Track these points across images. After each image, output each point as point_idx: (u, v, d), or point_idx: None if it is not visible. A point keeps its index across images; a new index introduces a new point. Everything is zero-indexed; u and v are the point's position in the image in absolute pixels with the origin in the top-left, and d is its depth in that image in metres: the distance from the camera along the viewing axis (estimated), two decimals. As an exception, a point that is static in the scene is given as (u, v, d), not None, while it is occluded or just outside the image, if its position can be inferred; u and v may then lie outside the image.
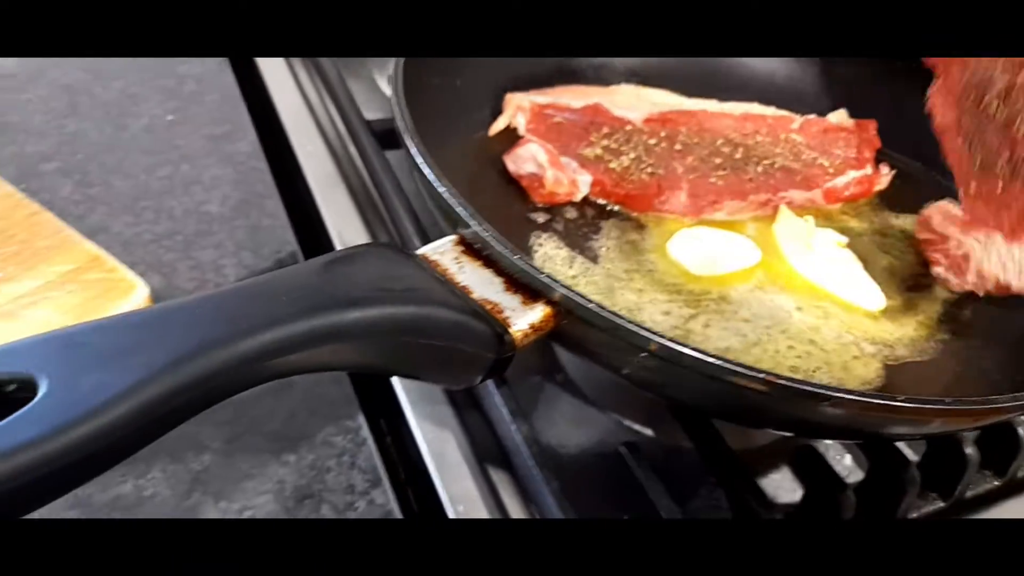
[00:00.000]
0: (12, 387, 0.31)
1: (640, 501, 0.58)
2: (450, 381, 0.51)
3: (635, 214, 0.77)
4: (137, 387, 0.31)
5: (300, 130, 0.88)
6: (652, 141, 0.83)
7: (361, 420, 0.60)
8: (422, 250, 0.54)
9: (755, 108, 0.90)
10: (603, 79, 0.89)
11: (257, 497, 0.55)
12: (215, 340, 0.35)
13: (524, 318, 0.51)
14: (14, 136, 0.82)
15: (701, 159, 0.83)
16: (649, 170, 0.79)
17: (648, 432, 0.67)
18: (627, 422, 0.68)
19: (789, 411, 0.52)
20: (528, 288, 0.53)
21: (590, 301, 0.50)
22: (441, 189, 0.55)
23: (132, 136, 0.84)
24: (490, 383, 0.59)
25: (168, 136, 0.85)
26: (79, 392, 0.30)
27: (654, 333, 0.49)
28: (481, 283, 0.52)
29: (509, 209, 0.74)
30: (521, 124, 0.80)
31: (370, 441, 0.58)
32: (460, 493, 0.57)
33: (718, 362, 0.47)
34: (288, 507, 0.54)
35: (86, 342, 0.32)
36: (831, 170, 0.85)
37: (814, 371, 0.65)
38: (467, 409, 0.62)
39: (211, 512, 0.53)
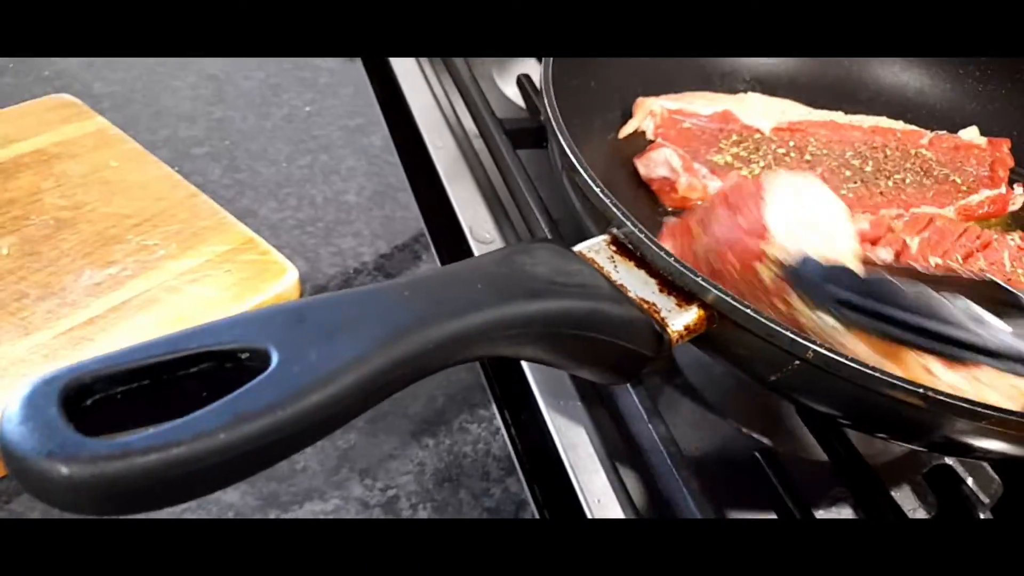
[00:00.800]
0: (246, 355, 0.33)
1: (771, 506, 0.59)
2: (608, 377, 0.52)
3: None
4: (361, 359, 0.33)
5: (431, 126, 0.91)
6: (781, 150, 0.82)
7: (495, 409, 0.61)
8: (578, 247, 0.54)
9: (883, 122, 0.89)
10: (730, 87, 0.89)
11: (400, 477, 0.56)
12: (426, 319, 0.36)
13: (680, 319, 0.51)
14: (167, 120, 0.86)
15: (831, 170, 0.82)
16: (779, 179, 0.79)
17: (766, 441, 0.67)
18: (745, 430, 0.68)
19: (941, 428, 0.51)
20: (681, 290, 0.53)
21: (746, 305, 0.50)
22: (596, 189, 0.56)
23: (274, 125, 0.88)
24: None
25: (306, 126, 0.88)
26: (308, 363, 0.32)
27: (810, 340, 0.49)
28: (636, 283, 0.53)
29: (639, 212, 0.75)
30: (650, 128, 0.81)
31: (503, 431, 0.59)
32: (593, 487, 0.59)
33: (877, 374, 0.47)
34: (428, 488, 0.56)
35: (311, 317, 0.34)
36: (964, 188, 0.83)
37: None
38: (596, 405, 0.63)
39: (357, 489, 0.55)
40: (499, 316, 0.40)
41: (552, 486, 0.60)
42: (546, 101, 0.64)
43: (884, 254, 0.74)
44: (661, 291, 0.53)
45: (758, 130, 0.83)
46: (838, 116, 0.88)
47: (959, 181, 0.84)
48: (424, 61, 1.00)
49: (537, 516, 0.55)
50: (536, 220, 0.73)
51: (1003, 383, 0.61)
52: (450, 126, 0.92)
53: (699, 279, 0.51)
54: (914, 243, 0.75)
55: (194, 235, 0.67)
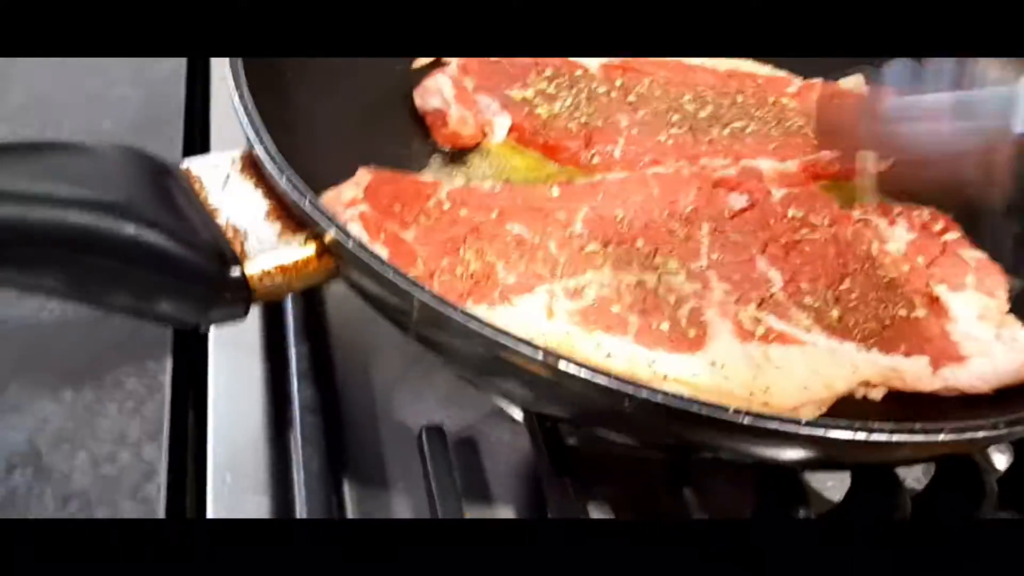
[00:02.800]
0: None
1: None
2: (156, 315, 0.43)
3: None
4: None
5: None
6: (601, 89, 0.71)
7: (168, 363, 0.53)
8: (189, 161, 0.46)
9: (746, 65, 0.76)
10: None
11: (10, 432, 0.49)
12: None
13: (271, 254, 0.43)
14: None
15: (655, 114, 0.70)
16: (583, 120, 0.68)
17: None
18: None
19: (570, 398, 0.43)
20: (296, 220, 0.45)
21: (351, 239, 0.42)
22: (235, 95, 0.47)
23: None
24: (292, 334, 0.53)
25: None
26: None
27: (423, 289, 0.40)
28: (239, 205, 0.44)
29: (404, 147, 0.66)
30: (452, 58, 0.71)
31: (167, 388, 0.52)
32: (235, 462, 0.50)
33: (485, 331, 0.39)
34: (38, 449, 0.48)
35: None
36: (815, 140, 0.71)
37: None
38: (267, 361, 0.55)
39: None
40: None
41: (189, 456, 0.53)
42: None
43: (737, 201, 0.64)
44: (270, 217, 0.44)
45: (583, 66, 0.72)
46: (693, 58, 0.76)
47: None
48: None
49: (164, 487, 0.48)
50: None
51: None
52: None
53: (307, 205, 0.42)
54: (778, 194, 0.64)
55: None
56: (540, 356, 0.40)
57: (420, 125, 0.68)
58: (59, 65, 0.76)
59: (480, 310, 0.52)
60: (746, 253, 0.60)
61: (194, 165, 0.47)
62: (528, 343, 0.40)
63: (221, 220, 0.44)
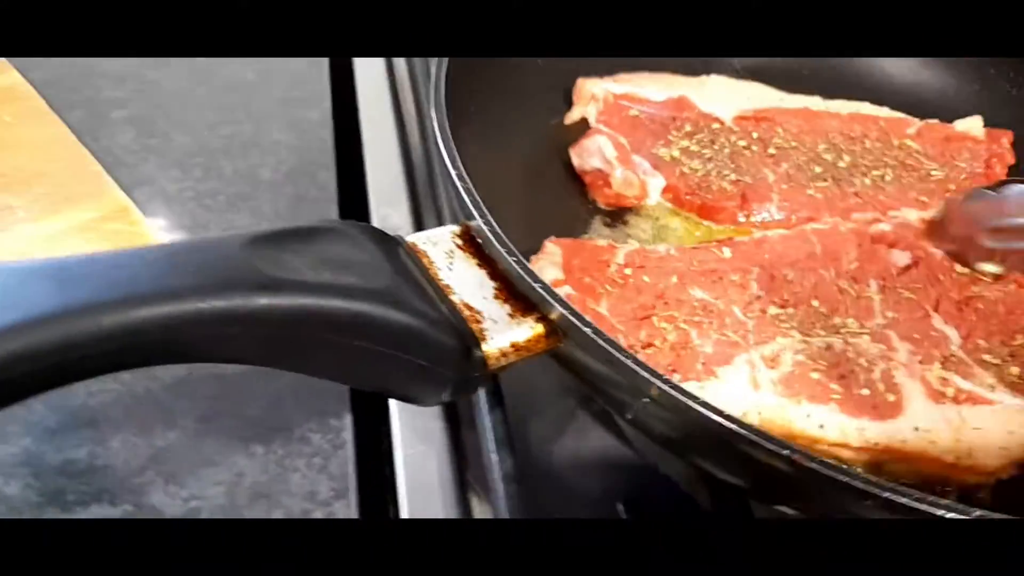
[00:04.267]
0: None
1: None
2: (400, 395, 0.43)
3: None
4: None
5: (373, 102, 0.81)
6: (742, 143, 0.71)
7: (347, 420, 0.52)
8: (413, 237, 0.46)
9: (866, 108, 0.76)
10: (693, 68, 0.77)
11: (211, 487, 0.48)
12: (76, 306, 0.29)
13: (506, 334, 0.42)
14: (93, 80, 0.79)
15: (798, 166, 0.70)
16: (733, 176, 0.68)
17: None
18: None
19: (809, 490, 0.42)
20: (524, 299, 0.44)
21: (589, 325, 0.41)
22: (452, 171, 0.46)
23: (209, 91, 0.79)
24: (483, 401, 0.52)
25: (244, 95, 0.79)
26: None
27: (658, 376, 0.39)
28: (469, 284, 0.44)
29: (565, 207, 0.65)
30: (592, 115, 0.70)
31: (350, 444, 0.51)
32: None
33: (731, 425, 0.38)
34: (237, 504, 0.48)
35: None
36: (952, 186, 0.72)
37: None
38: (464, 427, 0.54)
39: (157, 495, 0.47)
40: (196, 308, 0.32)
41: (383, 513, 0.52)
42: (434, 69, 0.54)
43: (900, 258, 0.64)
44: (498, 297, 0.44)
45: (717, 119, 0.72)
46: (814, 102, 0.76)
47: (944, 177, 0.72)
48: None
49: None
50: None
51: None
52: (396, 107, 0.83)
53: (537, 286, 0.42)
54: (938, 252, 0.64)
55: (65, 199, 0.59)
56: (786, 453, 0.39)
57: (576, 183, 0.67)
58: (216, 109, 0.76)
59: (691, 387, 0.52)
60: (920, 311, 0.60)
61: (419, 241, 0.46)
62: (774, 440, 0.39)
63: (455, 299, 0.43)
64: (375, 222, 0.68)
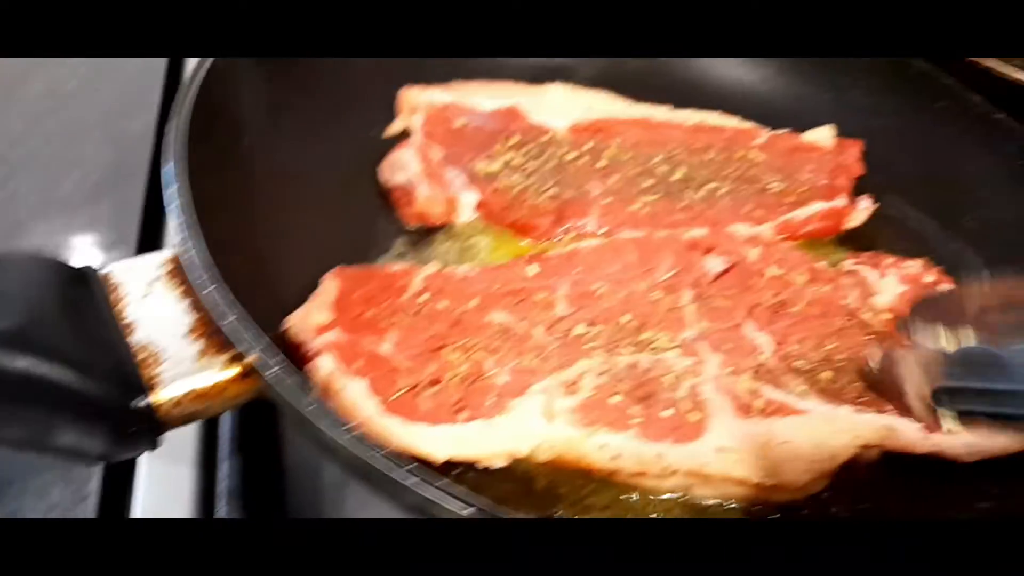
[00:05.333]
0: None
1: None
2: (56, 452, 0.38)
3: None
4: None
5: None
6: (571, 155, 0.67)
7: (96, 470, 0.49)
8: (113, 265, 0.42)
9: (712, 118, 0.74)
10: (535, 76, 0.73)
11: None
12: None
13: (187, 380, 0.39)
14: None
15: (627, 180, 0.67)
16: (553, 191, 0.64)
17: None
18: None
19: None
20: (223, 337, 0.40)
21: (287, 372, 0.38)
22: (168, 192, 0.43)
23: (21, 100, 0.76)
24: (225, 445, 0.48)
25: (61, 105, 0.76)
26: None
27: (350, 435, 0.36)
28: (159, 319, 0.40)
29: (371, 227, 0.61)
30: (417, 126, 0.66)
31: (94, 497, 0.47)
32: None
33: (407, 482, 0.35)
34: None
35: None
36: (790, 199, 0.68)
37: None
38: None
39: None
40: None
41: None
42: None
43: (715, 264, 0.61)
44: (193, 332, 0.40)
45: (549, 130, 0.69)
46: (659, 112, 0.73)
47: (783, 191, 0.69)
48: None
49: None
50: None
51: None
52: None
53: (227, 322, 0.38)
54: (753, 253, 0.62)
55: None
56: (467, 513, 0.36)
57: (386, 200, 0.63)
58: (32, 119, 0.71)
59: (476, 427, 0.48)
60: (732, 319, 0.57)
61: (117, 269, 0.42)
62: (459, 499, 0.35)
63: (136, 337, 0.39)
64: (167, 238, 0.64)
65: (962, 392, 0.47)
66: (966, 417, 0.47)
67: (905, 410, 0.50)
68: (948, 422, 0.49)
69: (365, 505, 0.52)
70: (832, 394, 0.54)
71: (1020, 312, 0.49)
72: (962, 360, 0.46)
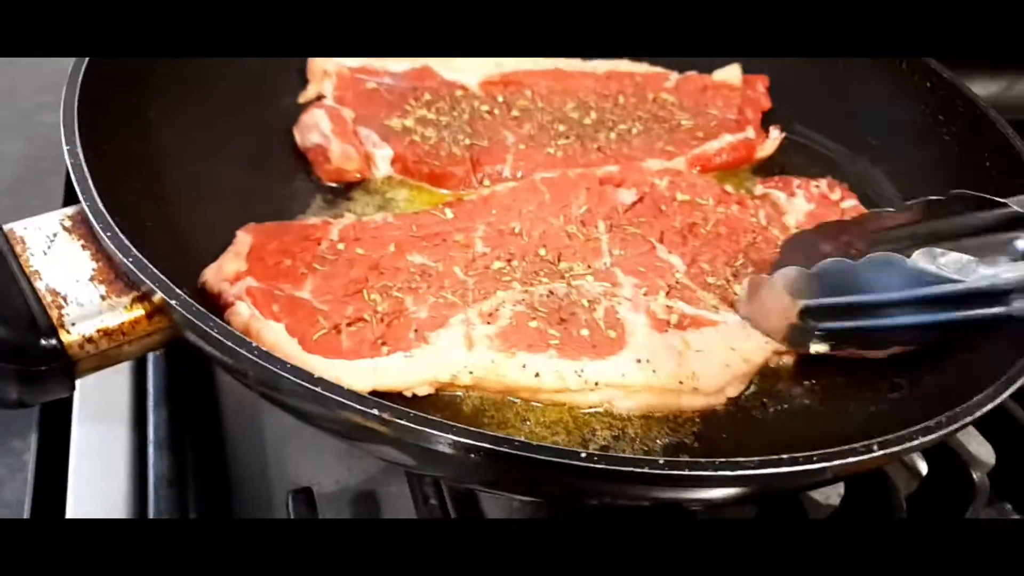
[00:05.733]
0: None
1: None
2: None
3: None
4: None
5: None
6: (484, 108, 0.69)
7: (33, 439, 0.49)
8: (14, 224, 0.43)
9: (623, 65, 0.75)
10: None
11: None
12: None
13: (95, 319, 0.40)
14: None
15: (541, 127, 0.68)
16: (467, 142, 0.65)
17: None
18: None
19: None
20: (124, 278, 0.41)
21: (189, 306, 0.38)
22: (66, 148, 0.44)
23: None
24: (152, 400, 0.49)
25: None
26: None
27: (251, 345, 0.37)
28: (63, 268, 0.41)
29: (287, 188, 0.62)
30: (328, 91, 0.67)
31: (31, 467, 0.47)
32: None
33: (318, 388, 0.36)
34: None
35: None
36: (700, 134, 0.70)
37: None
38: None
39: None
40: None
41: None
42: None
43: (627, 196, 0.62)
44: (97, 278, 0.42)
45: (462, 86, 0.70)
46: (569, 63, 0.75)
47: (694, 127, 0.71)
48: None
49: None
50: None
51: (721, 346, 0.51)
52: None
53: (129, 259, 0.39)
54: (662, 182, 0.63)
55: None
56: (375, 412, 0.37)
57: (303, 163, 0.64)
58: None
59: (396, 359, 0.49)
60: (646, 244, 0.59)
61: (18, 227, 0.43)
62: (363, 398, 0.37)
63: (40, 285, 0.40)
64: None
65: (823, 311, 0.48)
66: (833, 341, 0.49)
67: (776, 335, 0.53)
68: (816, 345, 0.51)
69: (304, 452, 0.52)
70: (742, 302, 0.56)
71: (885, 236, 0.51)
72: (820, 276, 0.48)
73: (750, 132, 0.71)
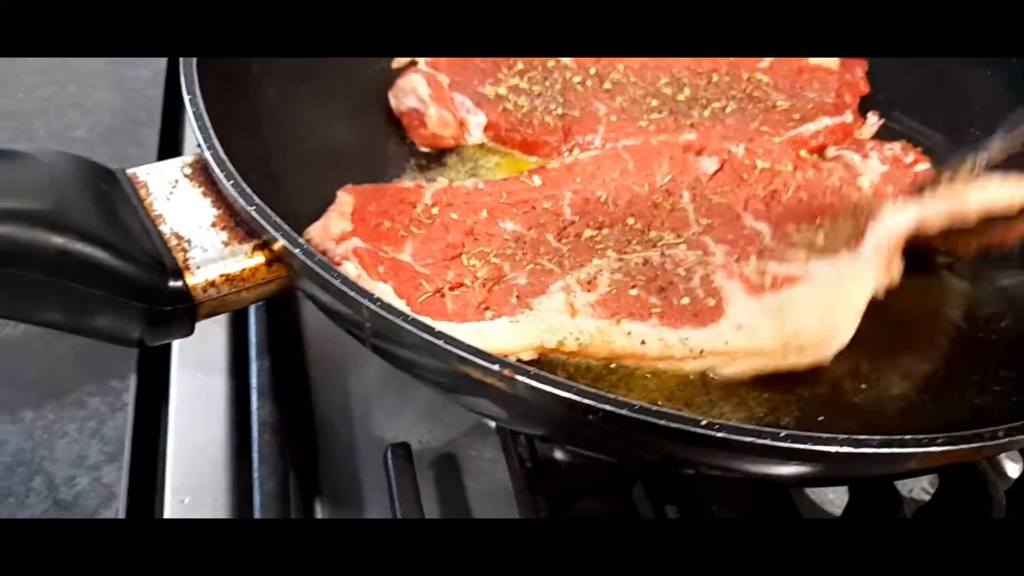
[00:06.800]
0: None
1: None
2: (94, 333, 0.40)
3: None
4: None
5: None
6: (576, 79, 0.68)
7: (132, 380, 0.49)
8: (137, 168, 0.43)
9: (717, 44, 0.74)
10: None
11: None
12: None
13: (217, 264, 0.40)
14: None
15: (633, 100, 0.67)
16: (560, 111, 0.65)
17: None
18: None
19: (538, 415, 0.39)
20: (245, 226, 0.41)
21: (302, 248, 0.38)
22: (186, 96, 0.44)
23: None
24: (255, 348, 0.49)
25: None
26: None
27: (373, 297, 0.37)
28: (185, 214, 0.42)
29: (381, 151, 0.62)
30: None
31: (130, 407, 0.48)
32: (185, 485, 0.47)
33: (439, 343, 0.36)
34: None
35: None
36: (797, 116, 0.69)
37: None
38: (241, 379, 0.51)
39: None
40: None
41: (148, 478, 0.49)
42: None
43: (709, 164, 0.61)
44: (217, 224, 0.42)
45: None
46: (663, 39, 0.74)
47: (790, 108, 0.69)
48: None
49: (123, 511, 0.44)
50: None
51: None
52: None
53: (253, 208, 0.39)
54: (739, 149, 0.62)
55: None
56: (496, 368, 0.36)
57: (396, 127, 0.64)
58: (42, 72, 0.72)
59: (502, 324, 0.49)
60: (731, 213, 0.58)
61: (141, 171, 0.43)
62: (485, 354, 0.36)
63: (165, 229, 0.41)
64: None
65: None
66: None
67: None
68: None
69: (386, 411, 0.52)
70: (828, 251, 0.54)
71: None
72: None
73: (848, 116, 0.69)
